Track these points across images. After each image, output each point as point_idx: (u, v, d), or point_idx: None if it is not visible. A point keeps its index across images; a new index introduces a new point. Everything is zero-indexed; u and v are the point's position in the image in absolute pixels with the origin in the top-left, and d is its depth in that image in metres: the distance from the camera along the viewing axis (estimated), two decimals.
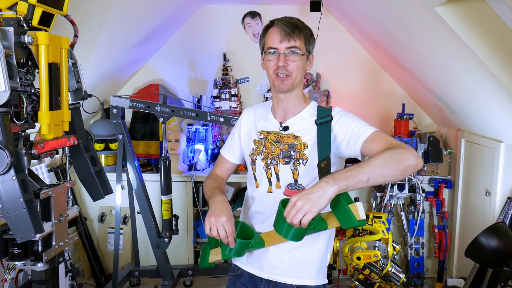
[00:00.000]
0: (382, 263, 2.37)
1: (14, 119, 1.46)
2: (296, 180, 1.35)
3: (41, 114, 1.49)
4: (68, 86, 1.65)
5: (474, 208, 2.72)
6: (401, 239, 3.15)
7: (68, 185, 1.68)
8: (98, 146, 3.12)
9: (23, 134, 1.51)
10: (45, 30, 1.50)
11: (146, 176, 3.01)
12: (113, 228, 3.13)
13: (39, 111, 1.49)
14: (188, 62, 3.64)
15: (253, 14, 3.53)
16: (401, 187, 2.94)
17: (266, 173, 1.38)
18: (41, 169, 2.68)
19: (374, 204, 3.06)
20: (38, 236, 1.44)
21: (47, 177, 2.74)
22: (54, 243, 1.59)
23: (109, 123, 3.16)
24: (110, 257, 3.19)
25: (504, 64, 1.86)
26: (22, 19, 1.42)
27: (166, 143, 2.72)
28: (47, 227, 1.54)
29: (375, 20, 2.74)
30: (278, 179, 1.37)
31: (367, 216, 2.58)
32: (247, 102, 3.59)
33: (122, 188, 2.82)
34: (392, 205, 2.97)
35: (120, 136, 2.63)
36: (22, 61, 1.47)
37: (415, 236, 2.99)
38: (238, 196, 3.21)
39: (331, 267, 2.61)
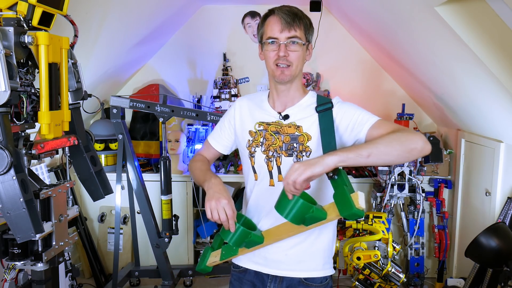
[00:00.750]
0: (382, 263, 2.38)
1: (14, 119, 1.45)
2: None
3: (41, 114, 1.49)
4: (68, 86, 1.65)
5: (474, 208, 2.72)
6: (401, 239, 3.15)
7: (68, 185, 1.68)
8: (98, 146, 3.12)
9: (23, 134, 1.51)
10: (45, 30, 1.50)
11: (146, 176, 3.01)
12: (113, 228, 3.13)
13: (39, 111, 1.49)
14: (188, 62, 3.64)
15: (253, 14, 3.53)
16: (401, 187, 2.94)
17: (267, 165, 1.35)
18: (41, 169, 2.68)
19: (374, 204, 3.06)
20: (38, 236, 1.44)
21: (47, 177, 2.74)
22: (54, 243, 1.59)
23: (109, 123, 3.16)
24: (110, 257, 3.19)
25: (504, 64, 1.86)
26: (22, 19, 1.42)
27: (166, 143, 2.72)
28: (47, 227, 1.54)
29: (375, 20, 2.74)
30: (279, 172, 1.34)
31: (367, 216, 2.58)
32: None
33: (122, 188, 2.82)
34: (392, 205, 2.97)
35: (120, 136, 2.63)
36: (22, 61, 1.47)
37: (415, 236, 2.99)
38: (238, 196, 3.21)
39: None
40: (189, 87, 3.66)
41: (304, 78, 3.29)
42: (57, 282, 1.69)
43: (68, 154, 1.74)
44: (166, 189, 2.69)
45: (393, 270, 2.38)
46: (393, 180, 2.91)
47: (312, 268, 1.37)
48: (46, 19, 1.51)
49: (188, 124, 3.44)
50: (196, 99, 3.52)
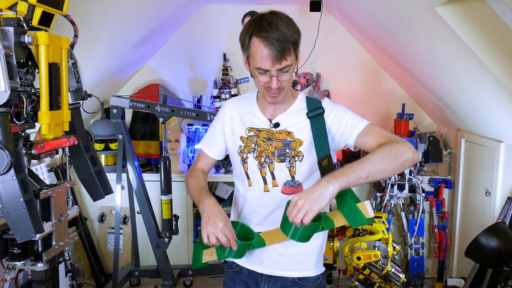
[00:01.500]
0: (382, 263, 2.38)
1: (14, 119, 1.46)
2: (293, 177, 1.33)
3: (41, 114, 1.49)
4: (68, 86, 1.66)
5: (474, 208, 2.72)
6: (401, 239, 3.15)
7: (68, 185, 1.68)
8: (98, 146, 3.12)
9: (23, 134, 1.51)
10: (45, 30, 1.50)
11: (146, 176, 3.01)
12: (113, 228, 3.12)
13: (39, 111, 1.49)
14: (188, 62, 3.63)
15: (253, 14, 3.51)
16: (401, 187, 2.94)
17: (260, 171, 1.35)
18: (41, 169, 2.68)
19: (374, 204, 3.06)
20: (38, 236, 1.44)
21: (47, 177, 2.74)
22: (54, 243, 1.59)
23: (109, 123, 3.16)
24: (110, 257, 3.19)
25: (504, 64, 1.86)
26: (22, 19, 1.42)
27: (166, 143, 2.72)
28: (47, 227, 1.54)
29: (375, 20, 2.74)
30: (273, 178, 1.34)
31: None
32: None
33: (122, 188, 2.82)
34: (392, 205, 2.97)
35: (120, 136, 2.63)
36: (22, 61, 1.47)
37: (415, 236, 2.99)
38: None
39: (331, 267, 2.60)
40: (189, 87, 3.66)
41: (304, 78, 3.28)
42: (57, 282, 1.69)
43: (68, 154, 1.74)
44: (166, 189, 2.69)
45: (393, 270, 2.38)
46: (393, 180, 2.91)
47: (306, 268, 1.39)
48: (46, 19, 1.51)
49: (188, 124, 3.44)
50: (196, 99, 3.52)
